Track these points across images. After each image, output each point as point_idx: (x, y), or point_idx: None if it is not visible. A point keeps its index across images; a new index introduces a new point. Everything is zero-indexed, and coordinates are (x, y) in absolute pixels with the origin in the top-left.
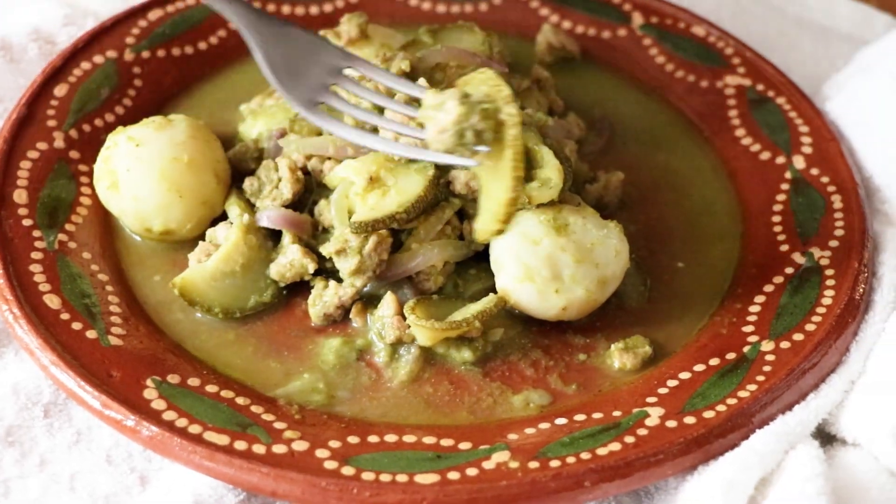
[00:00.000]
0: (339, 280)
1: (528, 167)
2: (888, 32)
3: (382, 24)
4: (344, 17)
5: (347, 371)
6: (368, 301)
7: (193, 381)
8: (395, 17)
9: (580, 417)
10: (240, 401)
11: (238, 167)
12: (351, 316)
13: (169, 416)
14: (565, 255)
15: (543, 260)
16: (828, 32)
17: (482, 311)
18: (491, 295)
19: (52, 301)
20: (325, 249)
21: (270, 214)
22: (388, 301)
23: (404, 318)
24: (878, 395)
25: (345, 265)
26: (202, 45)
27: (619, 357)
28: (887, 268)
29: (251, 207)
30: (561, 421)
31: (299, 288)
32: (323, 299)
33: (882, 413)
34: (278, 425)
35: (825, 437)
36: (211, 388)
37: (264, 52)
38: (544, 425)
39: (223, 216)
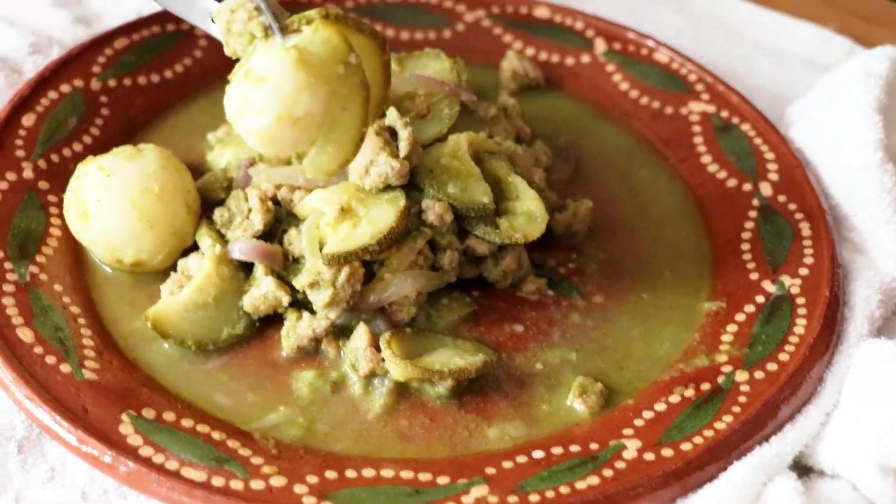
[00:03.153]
0: (312, 311)
1: (503, 198)
2: (849, 57)
3: None
4: None
5: (322, 404)
6: (341, 332)
7: (169, 416)
8: None
9: (557, 450)
10: (216, 435)
11: (207, 197)
12: (323, 347)
13: (145, 451)
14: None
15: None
16: (786, 56)
17: (461, 369)
18: (478, 357)
19: (25, 334)
20: (298, 282)
21: (242, 246)
22: (361, 333)
23: (378, 350)
24: (855, 424)
25: (318, 297)
26: (168, 74)
27: (580, 402)
28: (858, 297)
29: (222, 238)
30: (538, 454)
31: (271, 319)
32: (297, 331)
33: (860, 443)
34: (255, 460)
35: (802, 468)
36: (186, 423)
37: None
38: (521, 458)
39: (194, 247)
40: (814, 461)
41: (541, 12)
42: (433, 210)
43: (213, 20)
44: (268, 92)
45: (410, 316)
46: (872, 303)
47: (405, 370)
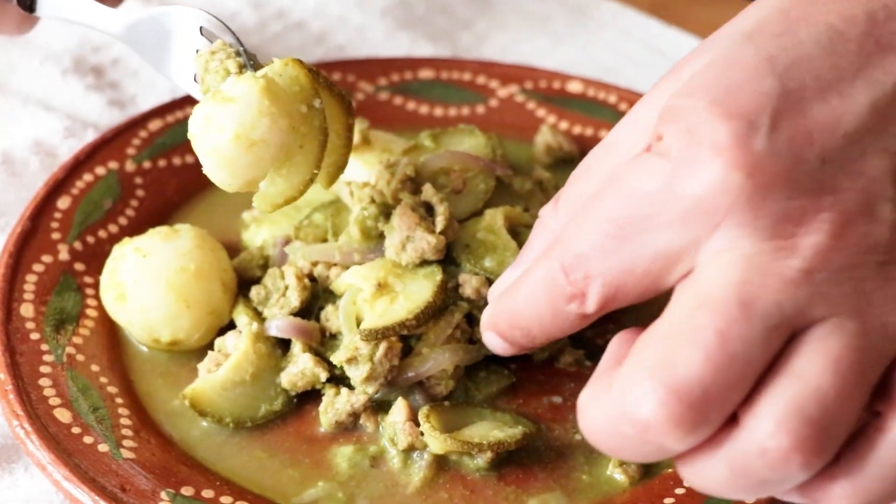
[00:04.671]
0: (350, 387)
1: None
2: None
3: (382, 129)
4: None
5: (362, 479)
6: (379, 406)
7: (207, 493)
8: (394, 122)
9: None
10: None
11: (243, 275)
12: (361, 422)
13: None
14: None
15: None
16: None
17: (500, 442)
18: (517, 429)
19: (63, 415)
20: (336, 358)
21: (280, 324)
22: (400, 407)
23: (416, 424)
24: None
25: (356, 373)
26: None
27: (620, 472)
28: None
29: (259, 315)
30: None
31: (309, 394)
32: (335, 407)
33: None
34: None
35: None
36: (225, 500)
37: (140, 51)
38: None
39: (230, 325)
40: None
41: (574, 87)
42: (470, 284)
43: (195, 78)
44: (231, 111)
45: (448, 389)
46: None
47: (444, 443)
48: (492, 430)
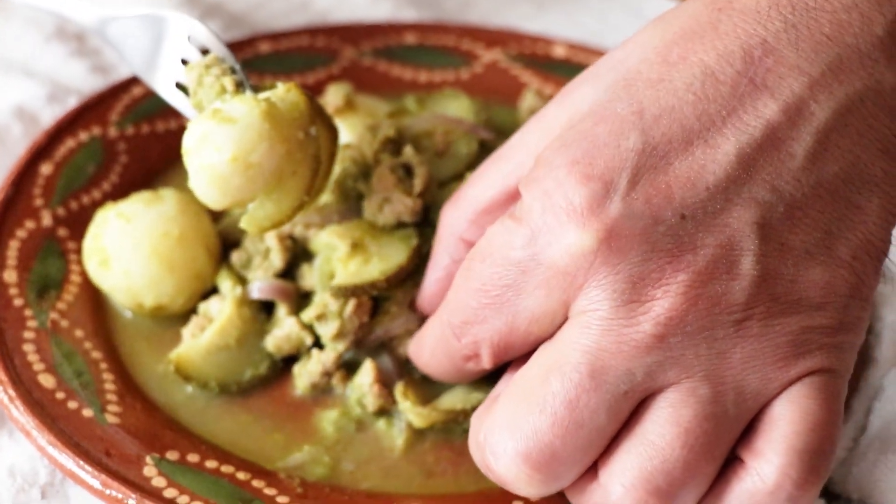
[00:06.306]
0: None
1: None
2: None
3: (368, 94)
4: (329, 88)
5: (347, 443)
6: (350, 368)
7: (192, 458)
8: (379, 86)
9: None
10: (240, 475)
11: (228, 239)
12: (333, 384)
13: (170, 493)
14: None
15: None
16: None
17: (482, 402)
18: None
19: (47, 380)
20: (306, 315)
21: (262, 286)
22: (367, 369)
23: (384, 386)
24: (883, 450)
25: (326, 330)
26: (185, 120)
27: None
28: (884, 324)
29: (242, 280)
30: None
31: (294, 360)
32: (308, 368)
33: (888, 470)
34: (281, 499)
35: (831, 495)
36: (210, 464)
37: (118, 48)
38: None
39: (214, 289)
40: (841, 488)
41: (558, 51)
42: None
43: (176, 85)
44: (231, 132)
45: None
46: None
47: (428, 416)
48: (469, 392)
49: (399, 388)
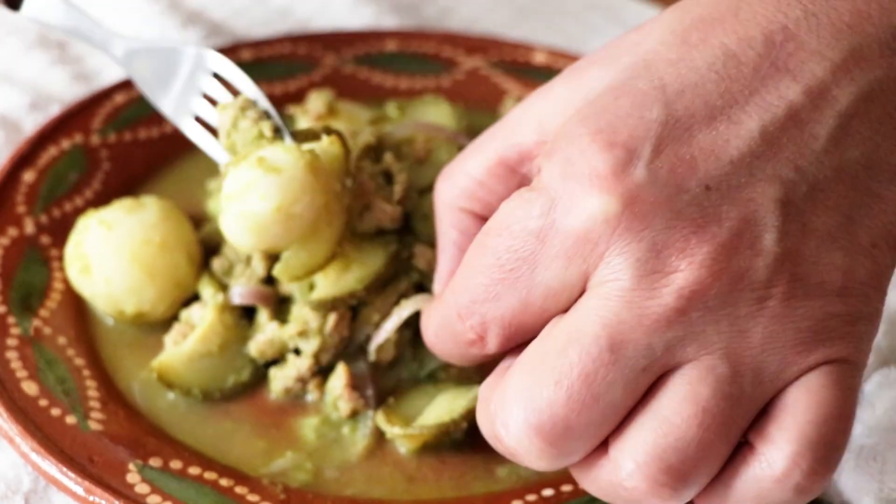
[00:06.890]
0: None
1: None
2: None
3: (349, 101)
4: (311, 95)
5: (329, 448)
6: (325, 374)
7: (175, 464)
8: (360, 93)
9: (567, 488)
10: (223, 482)
11: (208, 246)
12: (309, 389)
13: (153, 500)
14: None
15: None
16: None
17: (469, 409)
18: (474, 390)
19: (30, 388)
20: (287, 332)
21: (242, 291)
22: (339, 373)
23: (355, 390)
24: (861, 455)
25: (308, 347)
26: (168, 127)
27: None
28: None
29: (224, 287)
30: (548, 492)
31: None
32: (283, 372)
33: (866, 474)
34: None
35: (812, 501)
36: (194, 471)
37: (130, 68)
38: (531, 497)
39: (196, 296)
40: (822, 494)
41: (538, 58)
42: (424, 256)
43: (195, 118)
44: (277, 182)
45: (391, 356)
46: (879, 332)
47: (420, 436)
48: (454, 400)
49: (380, 417)
